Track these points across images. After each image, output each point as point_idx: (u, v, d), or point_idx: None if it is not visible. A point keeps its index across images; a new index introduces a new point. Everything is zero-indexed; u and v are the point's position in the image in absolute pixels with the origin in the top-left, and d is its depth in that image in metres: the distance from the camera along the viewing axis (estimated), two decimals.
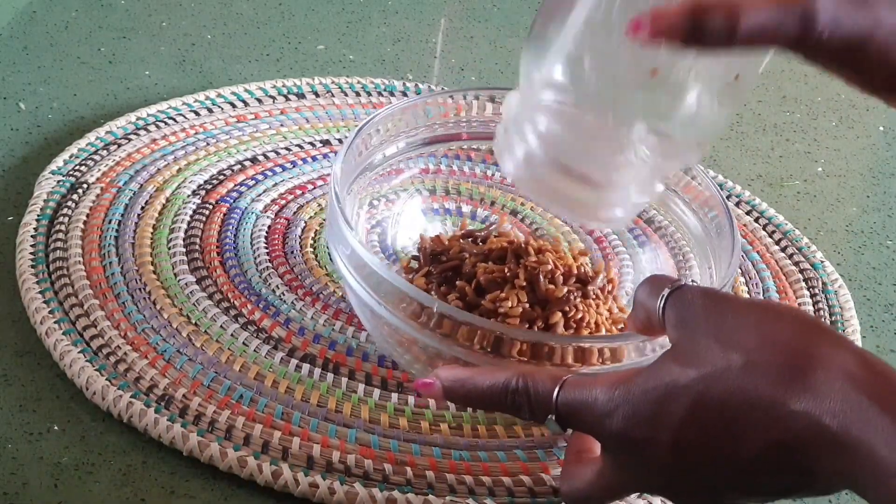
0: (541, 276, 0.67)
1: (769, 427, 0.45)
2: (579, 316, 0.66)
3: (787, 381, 0.45)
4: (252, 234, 0.78)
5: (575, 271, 0.69)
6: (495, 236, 0.73)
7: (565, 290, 0.67)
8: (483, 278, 0.67)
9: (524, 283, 0.67)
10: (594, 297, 0.69)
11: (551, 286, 0.67)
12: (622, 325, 0.68)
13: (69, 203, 0.78)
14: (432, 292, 0.68)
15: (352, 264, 0.63)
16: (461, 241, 0.73)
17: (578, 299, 0.67)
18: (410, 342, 0.62)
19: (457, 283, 0.68)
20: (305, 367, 0.67)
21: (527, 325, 0.65)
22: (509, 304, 0.65)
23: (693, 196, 0.73)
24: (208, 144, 0.86)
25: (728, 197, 0.89)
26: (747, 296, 0.79)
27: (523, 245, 0.70)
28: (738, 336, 0.47)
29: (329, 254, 0.69)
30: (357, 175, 0.73)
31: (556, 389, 0.51)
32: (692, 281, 0.55)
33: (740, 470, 0.47)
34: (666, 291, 0.51)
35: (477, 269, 0.68)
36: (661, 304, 0.51)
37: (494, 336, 0.59)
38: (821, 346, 0.46)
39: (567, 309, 0.66)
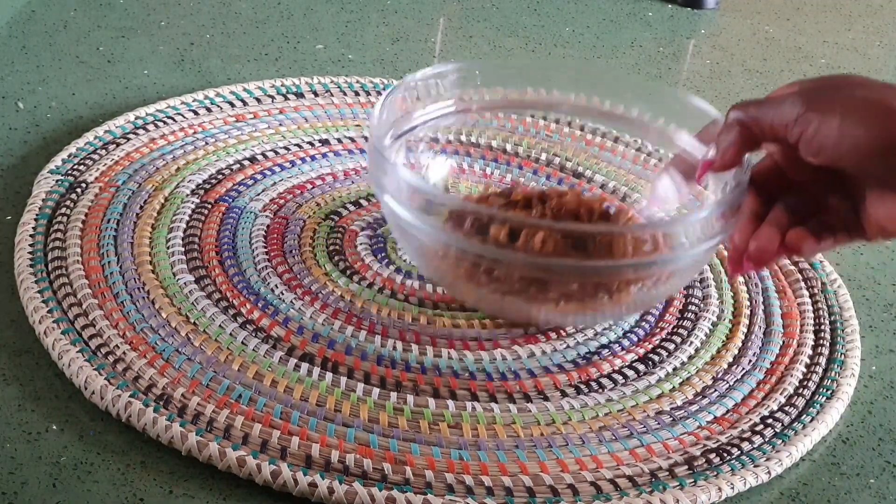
0: (567, 214, 0.73)
1: None
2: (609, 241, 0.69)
3: None
4: (251, 234, 0.78)
5: (597, 210, 0.74)
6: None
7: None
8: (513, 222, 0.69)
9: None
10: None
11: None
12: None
13: (67, 202, 0.78)
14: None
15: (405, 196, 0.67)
16: (488, 199, 0.77)
17: None
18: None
19: (490, 230, 0.68)
20: (304, 366, 0.67)
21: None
22: (541, 237, 0.66)
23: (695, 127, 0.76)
24: (207, 144, 0.86)
25: None
26: (747, 295, 0.79)
27: (546, 192, 0.75)
28: None
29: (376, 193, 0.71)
30: (397, 135, 0.76)
31: None
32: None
33: None
34: None
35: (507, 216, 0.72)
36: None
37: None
38: None
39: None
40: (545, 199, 0.75)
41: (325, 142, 0.89)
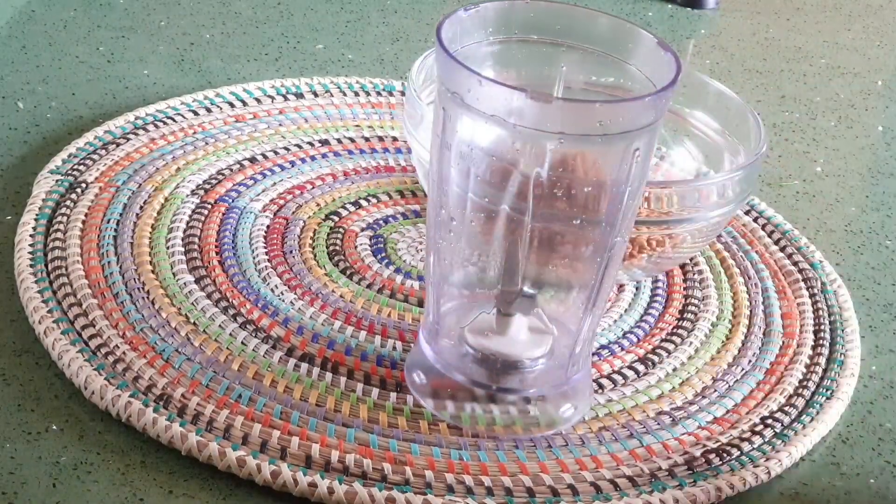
0: None
1: None
2: None
3: None
4: (251, 234, 0.78)
5: None
6: None
7: None
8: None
9: None
10: None
11: None
12: None
13: (67, 202, 0.78)
14: None
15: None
16: None
17: None
18: None
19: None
20: (304, 366, 0.67)
21: None
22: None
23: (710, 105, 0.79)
24: (207, 144, 0.86)
25: None
26: (746, 295, 0.79)
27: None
28: None
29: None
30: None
31: None
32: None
33: None
34: None
35: None
36: None
37: None
38: None
39: None
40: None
41: (325, 142, 0.89)
